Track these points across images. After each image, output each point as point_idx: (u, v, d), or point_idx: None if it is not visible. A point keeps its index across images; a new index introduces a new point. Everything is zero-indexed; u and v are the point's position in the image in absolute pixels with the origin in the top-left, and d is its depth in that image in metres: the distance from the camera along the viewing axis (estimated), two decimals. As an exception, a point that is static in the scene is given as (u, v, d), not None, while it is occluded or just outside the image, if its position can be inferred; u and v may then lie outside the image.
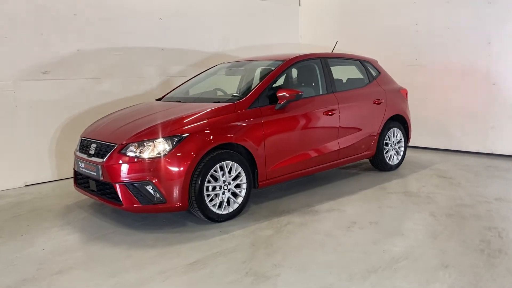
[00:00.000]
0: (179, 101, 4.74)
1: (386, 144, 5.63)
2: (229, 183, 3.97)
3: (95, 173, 3.88)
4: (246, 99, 4.21)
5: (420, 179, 5.29)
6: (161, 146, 3.67)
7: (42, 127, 5.66)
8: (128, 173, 3.67)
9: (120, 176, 3.69)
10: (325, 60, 5.07)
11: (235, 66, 5.36)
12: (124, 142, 3.75)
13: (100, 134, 4.11)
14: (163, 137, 3.70)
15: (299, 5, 8.76)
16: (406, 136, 5.93)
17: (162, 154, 3.64)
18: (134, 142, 3.73)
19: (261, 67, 4.85)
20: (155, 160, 3.62)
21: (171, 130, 3.75)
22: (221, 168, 3.89)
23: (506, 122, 6.32)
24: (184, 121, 3.86)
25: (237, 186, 4.04)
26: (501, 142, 6.42)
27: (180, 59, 7.02)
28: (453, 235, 3.54)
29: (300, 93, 4.32)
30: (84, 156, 4.09)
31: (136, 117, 4.24)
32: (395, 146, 5.77)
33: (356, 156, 5.25)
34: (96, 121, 4.69)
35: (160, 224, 3.96)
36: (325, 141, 4.81)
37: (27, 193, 5.22)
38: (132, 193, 3.67)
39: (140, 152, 3.69)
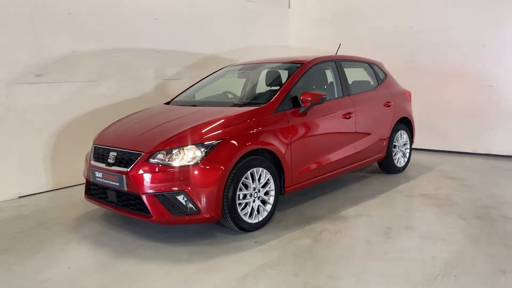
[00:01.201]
0: (195, 105, 4.53)
1: (394, 147, 5.62)
2: (259, 191, 3.81)
3: (117, 184, 3.61)
4: (272, 102, 4.06)
5: (431, 181, 5.30)
6: (192, 153, 3.46)
7: (36, 134, 5.28)
8: (157, 183, 3.43)
9: (148, 186, 3.45)
10: (339, 63, 5.00)
11: (247, 69, 5.19)
12: (151, 150, 3.51)
13: (119, 141, 3.84)
14: (194, 144, 3.49)
15: (289, 7, 8.68)
16: (411, 138, 5.95)
17: (194, 162, 3.43)
18: (163, 149, 3.50)
19: (276, 70, 4.70)
20: (187, 168, 3.41)
21: (202, 136, 3.55)
22: (251, 175, 3.72)
23: (503, 123, 6.47)
24: (214, 126, 3.67)
25: (265, 193, 3.88)
26: (498, 143, 6.57)
27: (176, 61, 6.77)
28: (492, 238, 3.52)
29: (324, 96, 4.22)
30: (102, 165, 3.81)
31: (156, 122, 3.99)
32: (402, 149, 5.78)
33: (369, 159, 5.20)
34: (108, 127, 4.41)
35: (187, 236, 3.74)
36: (344, 145, 4.73)
37: (23, 205, 4.84)
38: (162, 204, 3.44)
39: (169, 160, 3.46)
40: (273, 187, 3.91)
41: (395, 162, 5.64)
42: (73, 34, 5.51)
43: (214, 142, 3.52)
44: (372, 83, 5.47)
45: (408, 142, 5.87)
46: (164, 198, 3.43)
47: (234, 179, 3.55)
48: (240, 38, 7.76)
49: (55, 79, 5.40)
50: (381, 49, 7.42)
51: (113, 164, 3.71)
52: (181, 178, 3.40)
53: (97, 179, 3.84)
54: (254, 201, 3.77)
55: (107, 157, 3.80)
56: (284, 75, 4.51)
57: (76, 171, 5.62)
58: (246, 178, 3.67)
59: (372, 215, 4.14)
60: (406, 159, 5.86)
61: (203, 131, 3.60)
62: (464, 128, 6.81)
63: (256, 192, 3.78)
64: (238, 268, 3.10)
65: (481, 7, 6.40)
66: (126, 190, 3.56)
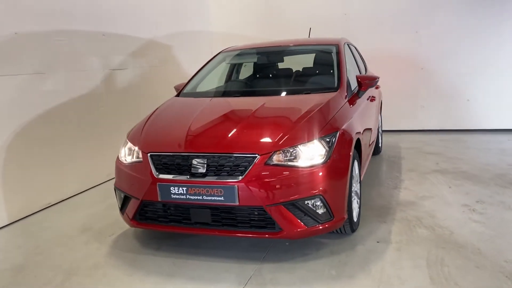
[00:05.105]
0: (239, 96, 3.83)
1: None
2: (354, 185, 3.42)
3: (222, 198, 2.79)
4: (342, 87, 3.67)
5: (418, 158, 5.56)
6: (317, 149, 2.89)
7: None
8: (284, 190, 2.77)
9: (273, 195, 2.75)
10: (348, 45, 4.82)
11: (266, 54, 4.56)
12: (269, 150, 2.81)
13: (207, 144, 2.95)
14: (317, 138, 2.91)
15: (207, -10, 8.03)
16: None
17: (323, 159, 2.86)
18: (281, 148, 2.83)
19: (315, 52, 4.28)
20: (318, 168, 2.82)
21: (321, 128, 2.98)
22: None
23: (433, 101, 7.20)
24: (321, 117, 3.12)
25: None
26: (428, 119, 7.30)
27: (121, 47, 5.63)
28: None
29: (378, 79, 4.01)
30: (182, 177, 2.89)
31: (236, 118, 3.22)
32: (380, 130, 5.94)
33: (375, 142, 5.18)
34: (147, 129, 3.36)
35: (289, 249, 3.13)
36: (374, 130, 4.61)
37: (-6, 251, 3.41)
38: (293, 214, 2.79)
39: (292, 160, 2.82)
40: (358, 179, 3.56)
41: (379, 143, 5.77)
42: (13, 10, 4.06)
43: (335, 133, 3.00)
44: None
45: (381, 124, 6.07)
46: (294, 207, 2.79)
47: (350, 175, 3.10)
48: (163, 21, 6.81)
49: (-4, 70, 3.92)
50: (315, 35, 7.43)
51: (205, 174, 2.85)
52: (313, 180, 2.81)
53: (174, 196, 2.90)
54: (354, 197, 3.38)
55: (189, 166, 2.89)
56: (323, 57, 4.15)
57: (37, 193, 4.26)
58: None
59: (430, 195, 4.13)
60: (381, 140, 6.05)
61: (318, 124, 3.02)
62: (399, 107, 7.35)
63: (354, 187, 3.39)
64: (413, 272, 2.72)
65: (413, -4, 6.97)
66: (237, 204, 2.78)
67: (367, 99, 4.47)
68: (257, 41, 5.09)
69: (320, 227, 2.87)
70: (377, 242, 3.19)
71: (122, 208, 3.26)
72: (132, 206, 3.11)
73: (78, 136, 4.81)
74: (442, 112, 7.21)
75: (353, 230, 3.27)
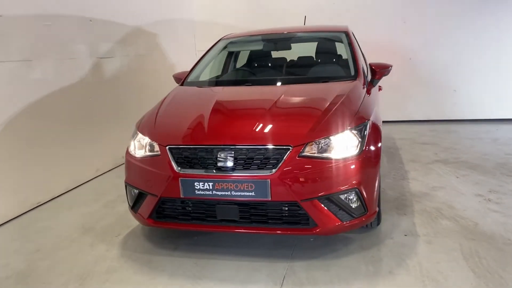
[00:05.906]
0: (250, 85, 3.62)
1: (373, 119, 5.66)
2: (377, 178, 3.31)
3: (252, 193, 2.60)
4: (360, 75, 3.55)
5: (416, 148, 5.54)
6: (351, 140, 2.74)
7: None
8: (320, 183, 2.62)
9: (308, 189, 2.59)
10: (352, 33, 4.70)
11: (272, 40, 4.35)
12: (303, 141, 2.64)
13: (233, 136, 2.74)
14: (348, 129, 2.76)
15: (190, -24, 7.72)
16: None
17: (357, 150, 2.72)
18: (315, 140, 2.66)
19: (324, 40, 4.12)
20: (351, 160, 2.68)
21: (352, 118, 2.84)
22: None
23: (421, 92, 7.23)
24: (348, 106, 2.98)
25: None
26: (417, 109, 7.33)
27: (108, 34, 5.29)
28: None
29: (391, 67, 3.91)
30: (210, 172, 2.68)
31: (259, 108, 3.02)
32: (375, 121, 5.88)
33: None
34: (157, 120, 3.09)
35: (316, 247, 2.98)
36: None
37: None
38: (328, 209, 2.64)
39: (326, 152, 2.67)
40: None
41: (375, 134, 5.71)
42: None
43: (365, 123, 2.86)
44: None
45: (375, 114, 6.01)
46: (329, 202, 2.64)
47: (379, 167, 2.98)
48: (145, 8, 6.48)
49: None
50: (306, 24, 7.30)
51: (233, 168, 2.65)
52: (348, 173, 2.67)
53: (198, 192, 2.68)
54: (376, 189, 3.26)
55: (215, 159, 2.68)
56: (334, 45, 4.01)
57: (25, 191, 3.94)
58: (374, 163, 3.13)
59: (441, 186, 4.09)
60: (376, 131, 6.00)
61: (348, 114, 2.88)
62: (388, 98, 7.29)
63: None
64: (452, 266, 2.63)
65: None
66: (269, 200, 2.60)
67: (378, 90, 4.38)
68: (242, 30, 4.87)
69: (354, 222, 2.73)
70: (405, 235, 3.09)
71: (135, 206, 3.01)
72: (148, 203, 2.87)
73: (66, 130, 4.47)
74: (430, 102, 7.25)
75: (378, 224, 3.16)
